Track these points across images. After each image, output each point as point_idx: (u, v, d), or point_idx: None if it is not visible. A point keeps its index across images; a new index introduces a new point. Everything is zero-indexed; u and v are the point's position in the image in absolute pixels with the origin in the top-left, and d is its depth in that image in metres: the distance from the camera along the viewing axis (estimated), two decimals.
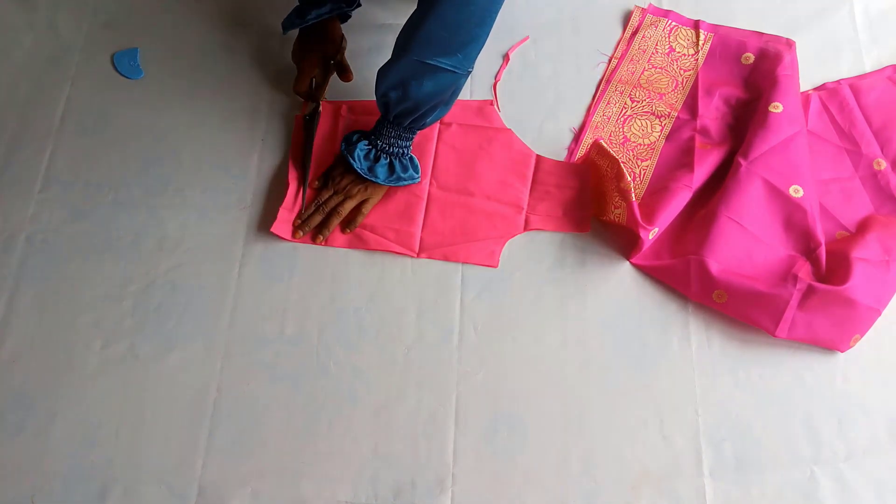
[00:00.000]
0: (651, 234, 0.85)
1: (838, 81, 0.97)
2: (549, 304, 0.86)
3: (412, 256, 0.88)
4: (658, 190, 0.89)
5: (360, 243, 0.89)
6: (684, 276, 0.84)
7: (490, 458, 0.79)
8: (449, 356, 0.83)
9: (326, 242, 0.89)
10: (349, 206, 0.88)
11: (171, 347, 0.84)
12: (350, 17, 0.95)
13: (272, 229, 0.88)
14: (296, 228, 0.89)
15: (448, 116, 0.94)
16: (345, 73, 0.95)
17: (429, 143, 0.93)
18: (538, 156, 0.92)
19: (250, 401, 0.82)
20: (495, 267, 0.87)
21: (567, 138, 0.95)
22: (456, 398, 0.82)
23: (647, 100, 0.96)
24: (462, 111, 0.95)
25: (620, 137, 0.95)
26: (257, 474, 0.79)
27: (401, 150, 0.87)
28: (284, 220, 0.89)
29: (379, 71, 0.81)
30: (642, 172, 0.92)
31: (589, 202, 0.90)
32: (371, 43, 1.01)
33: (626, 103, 0.97)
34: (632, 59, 0.99)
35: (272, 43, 1.01)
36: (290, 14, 0.90)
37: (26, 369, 0.84)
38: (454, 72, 0.77)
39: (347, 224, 0.89)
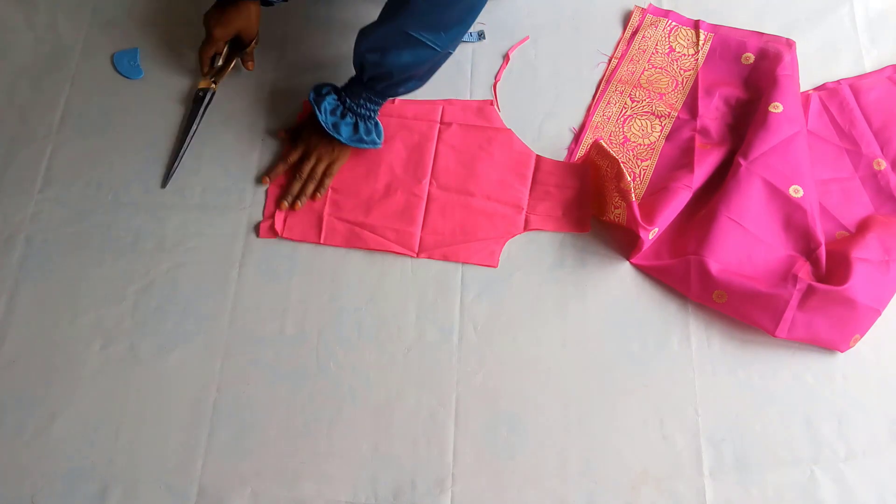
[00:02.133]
0: (651, 235, 0.85)
1: (838, 81, 0.97)
2: (549, 304, 0.86)
3: (412, 256, 0.88)
4: (658, 190, 0.89)
5: (359, 243, 0.89)
6: (684, 276, 0.84)
7: (490, 458, 0.79)
8: (449, 356, 0.83)
9: (327, 242, 0.89)
10: (320, 168, 0.90)
11: (171, 347, 0.84)
12: (272, 4, 0.94)
13: (262, 235, 0.89)
14: (279, 200, 0.90)
15: (448, 116, 0.94)
16: (248, 63, 0.96)
17: (429, 143, 0.93)
18: (538, 156, 0.92)
19: (250, 401, 0.82)
20: (495, 267, 0.87)
21: (567, 138, 0.95)
22: (456, 398, 0.82)
23: (647, 100, 0.96)
24: (462, 111, 0.95)
25: (620, 137, 0.95)
26: (257, 474, 0.79)
27: (368, 113, 0.87)
28: (267, 225, 0.90)
29: (361, 30, 0.81)
30: (642, 172, 0.92)
31: (589, 202, 0.90)
32: None
33: (626, 103, 0.97)
34: (632, 59, 0.99)
35: (272, 44, 1.01)
36: None
37: (26, 369, 0.84)
38: (434, 49, 0.78)
39: (317, 188, 0.90)
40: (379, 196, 0.91)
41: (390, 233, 0.89)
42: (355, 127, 0.87)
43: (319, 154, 0.90)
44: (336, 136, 0.87)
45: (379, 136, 0.89)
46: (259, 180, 0.92)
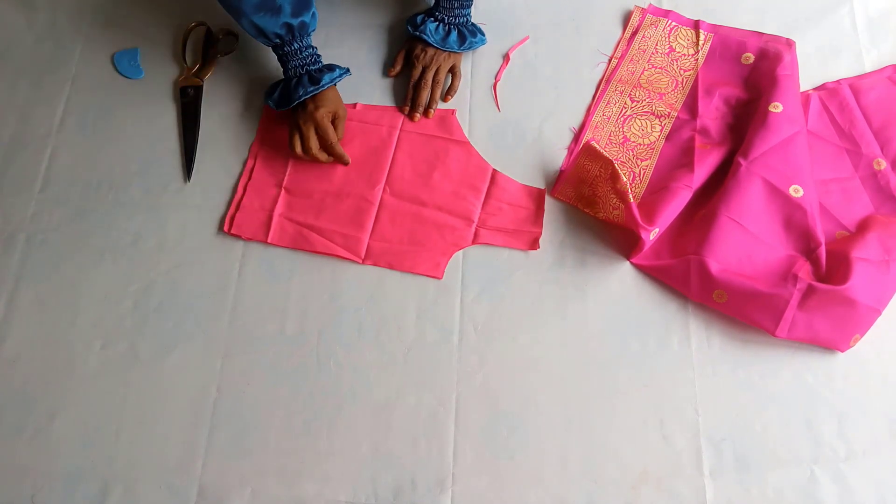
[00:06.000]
0: (652, 235, 0.85)
1: (838, 81, 0.97)
2: (549, 304, 0.86)
3: (358, 262, 0.88)
4: (658, 190, 0.89)
5: (306, 245, 0.88)
6: (684, 276, 0.84)
7: (490, 458, 0.79)
8: (449, 356, 0.83)
9: (273, 242, 0.88)
10: (442, 73, 0.96)
11: (171, 347, 0.84)
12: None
13: (233, 231, 0.89)
14: (410, 112, 0.95)
15: (409, 123, 0.95)
16: (338, 138, 0.91)
17: (387, 150, 0.93)
18: (494, 171, 0.92)
19: (250, 401, 0.82)
20: (439, 279, 0.87)
21: (567, 138, 0.95)
22: (456, 398, 0.82)
23: (647, 100, 0.96)
24: (423, 120, 0.95)
25: (620, 137, 0.95)
26: (257, 474, 0.79)
27: (464, 19, 0.96)
28: (240, 220, 0.90)
29: None
30: (642, 172, 0.92)
31: (541, 222, 0.89)
32: (371, 42, 1.01)
33: (626, 103, 0.97)
34: (632, 59, 0.99)
35: None
36: (294, 84, 0.87)
37: (26, 369, 0.84)
38: None
39: (448, 91, 0.97)
40: (331, 199, 0.90)
41: (338, 237, 0.88)
42: (460, 35, 0.95)
43: (438, 61, 0.95)
44: (449, 49, 0.95)
45: (482, 33, 0.97)
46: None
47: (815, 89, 0.96)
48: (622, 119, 0.96)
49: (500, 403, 0.81)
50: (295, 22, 0.83)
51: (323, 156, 0.89)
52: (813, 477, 0.77)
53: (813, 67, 0.98)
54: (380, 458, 0.79)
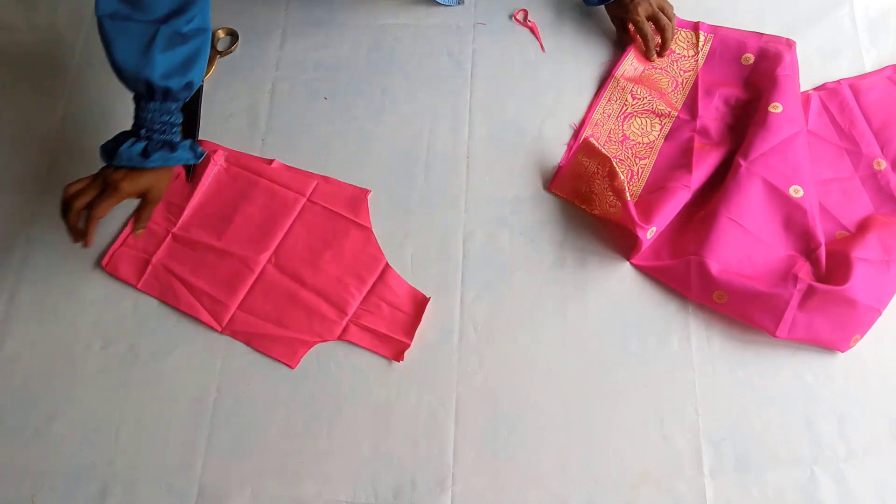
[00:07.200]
0: (649, 234, 0.85)
1: (838, 81, 0.97)
2: (549, 304, 0.86)
3: (216, 331, 0.84)
4: (656, 189, 0.89)
5: (172, 299, 0.85)
6: (684, 277, 0.84)
7: (490, 458, 0.79)
8: (449, 356, 0.83)
9: (143, 289, 0.86)
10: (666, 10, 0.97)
11: (171, 347, 0.84)
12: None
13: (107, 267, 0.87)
14: (650, 52, 0.97)
15: (318, 195, 0.90)
16: (140, 228, 0.81)
17: (286, 217, 0.89)
18: (387, 265, 0.87)
19: (250, 401, 0.82)
20: (292, 368, 0.83)
21: (567, 136, 0.95)
22: (456, 398, 0.82)
23: (648, 98, 0.96)
24: (334, 195, 0.90)
25: (620, 135, 0.95)
26: (257, 474, 0.79)
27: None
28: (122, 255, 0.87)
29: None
30: (640, 171, 0.92)
31: (413, 333, 0.83)
32: (371, 42, 1.01)
33: (626, 100, 0.97)
34: (632, 60, 0.99)
35: (273, 42, 1.01)
36: (126, 146, 0.74)
37: (26, 369, 0.84)
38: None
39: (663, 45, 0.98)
40: (213, 256, 0.87)
41: (206, 299, 0.85)
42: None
43: (652, 4, 0.95)
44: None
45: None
46: None
47: (815, 89, 0.97)
48: (622, 117, 0.96)
49: (500, 403, 0.81)
50: (159, 84, 0.72)
51: (73, 218, 0.76)
52: (813, 477, 0.77)
53: (813, 67, 0.98)
54: (380, 458, 0.79)
